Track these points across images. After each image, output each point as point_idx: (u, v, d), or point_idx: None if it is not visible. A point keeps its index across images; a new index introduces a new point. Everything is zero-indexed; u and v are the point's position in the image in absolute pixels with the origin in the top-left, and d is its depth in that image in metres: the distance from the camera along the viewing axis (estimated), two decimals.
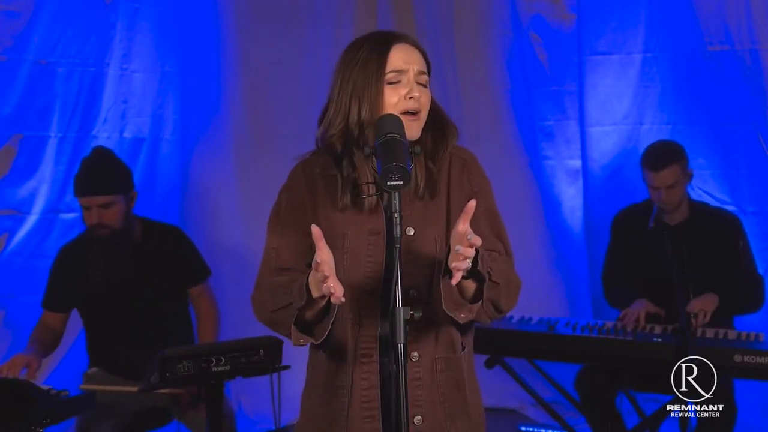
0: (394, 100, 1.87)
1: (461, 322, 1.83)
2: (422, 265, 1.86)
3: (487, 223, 1.94)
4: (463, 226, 1.66)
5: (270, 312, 1.90)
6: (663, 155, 3.42)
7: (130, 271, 3.22)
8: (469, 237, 1.64)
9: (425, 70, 1.92)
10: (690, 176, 3.46)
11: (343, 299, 1.69)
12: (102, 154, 3.28)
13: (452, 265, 1.67)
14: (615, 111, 4.17)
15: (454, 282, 1.69)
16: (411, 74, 1.88)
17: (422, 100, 1.89)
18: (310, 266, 1.81)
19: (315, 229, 1.70)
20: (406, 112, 1.87)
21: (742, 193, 3.90)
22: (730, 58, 3.83)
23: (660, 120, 4.08)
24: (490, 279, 1.78)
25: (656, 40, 4.04)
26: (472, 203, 1.69)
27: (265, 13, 4.30)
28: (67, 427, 3.11)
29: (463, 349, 1.95)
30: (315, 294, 1.76)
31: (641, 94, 4.11)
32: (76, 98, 3.77)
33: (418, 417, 1.86)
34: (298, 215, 1.94)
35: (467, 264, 1.67)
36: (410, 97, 1.87)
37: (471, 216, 1.68)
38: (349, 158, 1.90)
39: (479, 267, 1.73)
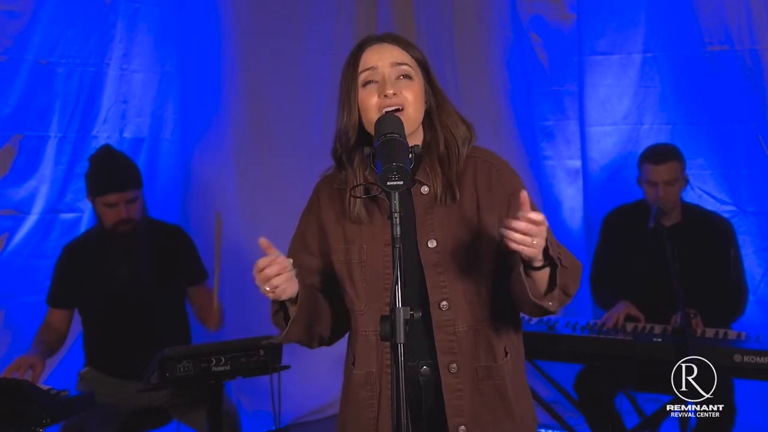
0: (372, 102, 1.84)
1: (553, 311, 1.81)
2: (450, 275, 1.85)
3: None
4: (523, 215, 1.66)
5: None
6: (665, 150, 3.48)
7: (141, 264, 3.22)
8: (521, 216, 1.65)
9: (405, 60, 1.87)
10: (686, 181, 3.48)
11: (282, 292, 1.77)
12: (114, 152, 3.31)
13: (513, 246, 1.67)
14: (615, 111, 4.17)
15: (527, 253, 1.67)
16: (384, 70, 1.85)
17: (404, 94, 1.84)
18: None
19: (264, 242, 1.77)
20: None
21: (742, 193, 3.90)
22: (730, 58, 3.82)
23: (660, 120, 4.08)
24: (561, 264, 1.77)
25: (656, 40, 4.04)
26: (524, 195, 1.68)
27: (265, 13, 4.30)
28: None
29: (506, 355, 1.93)
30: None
31: (641, 94, 4.11)
32: (76, 98, 3.77)
33: (462, 427, 1.85)
34: (310, 238, 1.98)
35: (526, 250, 1.66)
36: (384, 95, 1.83)
37: (527, 206, 1.67)
38: (345, 167, 1.91)
39: (551, 252, 1.73)
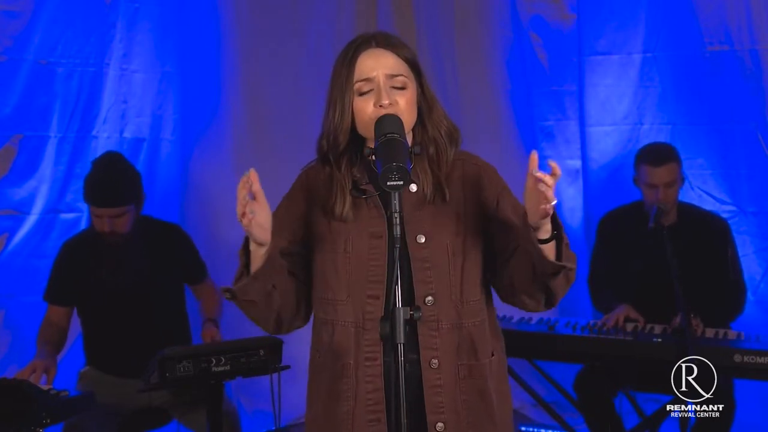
0: (368, 111, 1.87)
1: (561, 292, 1.83)
2: (437, 272, 1.87)
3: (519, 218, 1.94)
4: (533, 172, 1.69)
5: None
6: (663, 152, 3.46)
7: (132, 270, 3.23)
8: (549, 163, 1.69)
9: (401, 71, 1.90)
10: (682, 181, 3.47)
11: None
12: (113, 161, 3.27)
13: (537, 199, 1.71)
14: (615, 111, 4.17)
15: (548, 209, 1.72)
16: (380, 80, 1.87)
17: (400, 104, 1.87)
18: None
19: (253, 174, 1.72)
20: None
21: (742, 193, 3.90)
22: (730, 58, 3.82)
23: (660, 120, 4.08)
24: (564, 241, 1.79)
25: (656, 40, 4.04)
26: (534, 153, 1.73)
27: (265, 13, 4.30)
28: None
29: (492, 355, 1.95)
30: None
31: (641, 94, 4.11)
32: (76, 98, 3.76)
33: (440, 424, 1.86)
34: (286, 222, 1.95)
35: (551, 195, 1.71)
36: (380, 105, 1.86)
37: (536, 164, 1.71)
38: (332, 164, 1.92)
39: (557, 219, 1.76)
